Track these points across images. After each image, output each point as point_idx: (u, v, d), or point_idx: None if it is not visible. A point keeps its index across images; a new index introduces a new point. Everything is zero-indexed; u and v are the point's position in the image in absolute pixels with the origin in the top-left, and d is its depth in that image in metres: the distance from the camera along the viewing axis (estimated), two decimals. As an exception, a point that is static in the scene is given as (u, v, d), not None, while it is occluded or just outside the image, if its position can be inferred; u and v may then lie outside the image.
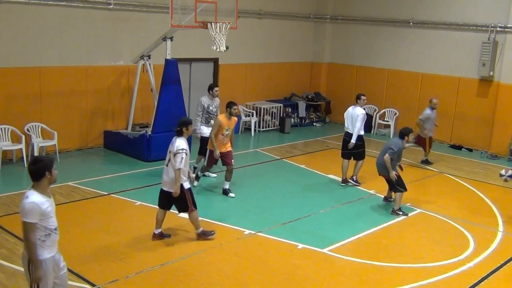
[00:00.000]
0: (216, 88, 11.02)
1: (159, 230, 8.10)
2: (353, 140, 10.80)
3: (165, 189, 7.83)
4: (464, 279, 7.34)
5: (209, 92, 10.96)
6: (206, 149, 10.32)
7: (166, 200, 7.91)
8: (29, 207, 4.82)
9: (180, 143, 7.70)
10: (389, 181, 9.78)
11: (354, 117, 10.84)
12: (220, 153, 9.89)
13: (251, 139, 15.50)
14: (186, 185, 7.81)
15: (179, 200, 7.79)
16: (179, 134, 7.83)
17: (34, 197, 4.86)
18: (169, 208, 8.07)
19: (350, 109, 11.06)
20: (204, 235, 8.15)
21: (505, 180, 9.87)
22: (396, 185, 9.65)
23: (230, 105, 9.94)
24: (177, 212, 9.14)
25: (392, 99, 16.77)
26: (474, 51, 14.89)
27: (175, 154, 7.62)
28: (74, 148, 12.76)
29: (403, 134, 9.70)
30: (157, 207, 8.07)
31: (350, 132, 10.96)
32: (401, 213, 9.67)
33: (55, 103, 12.29)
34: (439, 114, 15.79)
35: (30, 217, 4.82)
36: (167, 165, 7.79)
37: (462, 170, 12.99)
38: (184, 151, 7.64)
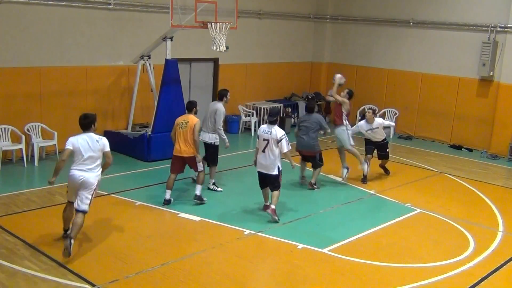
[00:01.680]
0: (228, 94, 10.54)
1: (268, 203, 9.24)
2: None
3: (264, 171, 8.99)
4: (464, 279, 7.34)
5: (223, 99, 10.41)
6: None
7: (266, 181, 9.12)
8: (107, 141, 7.57)
9: (279, 130, 8.93)
10: (313, 158, 10.81)
11: None
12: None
13: (251, 139, 15.48)
14: (280, 167, 9.02)
15: (274, 179, 8.98)
16: (274, 123, 9.00)
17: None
18: (267, 186, 9.21)
19: None
20: (274, 213, 9.08)
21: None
22: (319, 160, 10.80)
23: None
24: (177, 212, 9.20)
25: (392, 99, 16.77)
26: (474, 51, 14.89)
27: (279, 141, 8.81)
28: (74, 148, 12.74)
29: (310, 109, 10.95)
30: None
31: None
32: (316, 187, 10.80)
33: (55, 103, 12.29)
34: (439, 114, 15.86)
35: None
36: (264, 151, 8.89)
37: (462, 170, 12.99)
38: (285, 135, 8.95)
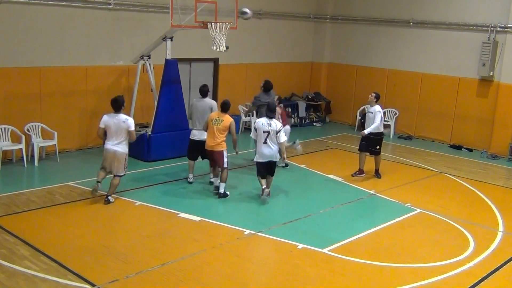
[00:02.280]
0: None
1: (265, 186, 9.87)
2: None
3: (270, 160, 9.78)
4: (464, 279, 7.34)
5: (207, 95, 10.70)
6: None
7: (268, 168, 9.84)
8: (133, 121, 9.25)
9: (278, 123, 9.81)
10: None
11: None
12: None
13: (251, 139, 15.43)
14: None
15: (275, 165, 9.94)
16: (274, 117, 9.80)
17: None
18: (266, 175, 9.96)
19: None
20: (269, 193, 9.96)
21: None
22: None
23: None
24: (177, 212, 9.19)
25: (392, 99, 16.77)
26: (474, 51, 14.89)
27: (278, 132, 9.64)
28: (74, 148, 12.76)
29: (270, 88, 12.00)
30: (259, 177, 9.91)
31: None
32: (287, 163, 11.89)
33: (55, 103, 12.29)
34: (439, 114, 15.86)
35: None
36: (265, 142, 9.66)
37: (462, 170, 12.99)
38: (283, 127, 9.94)
